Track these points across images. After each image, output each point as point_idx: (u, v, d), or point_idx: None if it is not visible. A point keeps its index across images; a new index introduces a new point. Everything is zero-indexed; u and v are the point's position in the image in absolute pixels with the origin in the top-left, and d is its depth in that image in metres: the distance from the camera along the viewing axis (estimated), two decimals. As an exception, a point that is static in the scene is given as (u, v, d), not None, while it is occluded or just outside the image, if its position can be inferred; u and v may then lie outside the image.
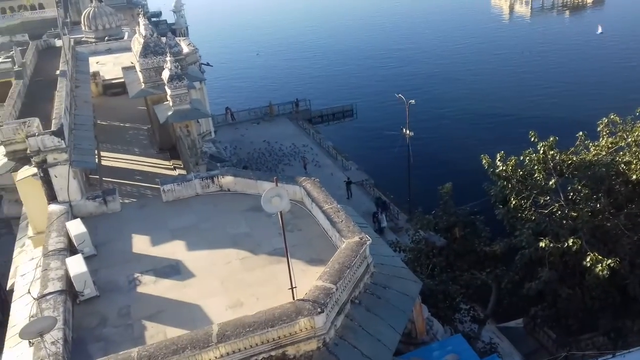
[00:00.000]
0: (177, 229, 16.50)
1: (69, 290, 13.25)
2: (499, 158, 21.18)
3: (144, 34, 24.36)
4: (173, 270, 14.61)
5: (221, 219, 16.86)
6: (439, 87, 67.79)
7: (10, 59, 29.12)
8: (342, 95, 65.99)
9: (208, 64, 42.40)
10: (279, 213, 11.96)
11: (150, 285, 14.08)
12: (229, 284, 13.85)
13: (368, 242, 13.60)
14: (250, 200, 17.55)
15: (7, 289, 21.76)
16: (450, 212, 23.04)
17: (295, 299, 11.94)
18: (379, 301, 13.25)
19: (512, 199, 20.80)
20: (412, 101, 37.63)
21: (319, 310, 11.37)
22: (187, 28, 63.18)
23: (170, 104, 22.73)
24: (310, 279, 12.93)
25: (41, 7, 69.16)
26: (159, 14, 77.38)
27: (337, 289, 12.06)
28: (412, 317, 14.65)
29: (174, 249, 15.51)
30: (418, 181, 39.63)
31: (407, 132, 37.84)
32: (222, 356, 10.89)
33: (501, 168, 21.00)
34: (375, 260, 14.32)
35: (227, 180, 18.20)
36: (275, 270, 14.10)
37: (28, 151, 16.30)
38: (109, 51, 37.82)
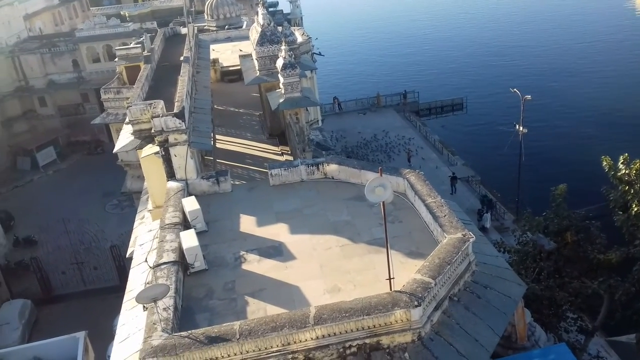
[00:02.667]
0: (282, 212, 17.08)
1: (181, 261, 14.21)
2: (621, 161, 19.67)
3: (261, 23, 25.26)
4: (276, 251, 15.18)
5: (324, 205, 17.21)
6: (557, 84, 63.89)
7: (140, 45, 31.45)
8: (452, 88, 64.27)
9: (320, 54, 43.10)
10: (381, 203, 12.00)
11: (254, 264, 14.74)
12: (328, 269, 14.15)
13: (471, 240, 13.27)
14: (353, 189, 17.75)
15: (127, 256, 23.83)
16: (562, 215, 21.78)
17: (393, 289, 11.96)
18: (478, 301, 12.91)
19: (634, 206, 19.24)
20: (528, 97, 35.84)
21: (415, 303, 11.31)
22: (301, 18, 64.50)
23: (282, 91, 23.42)
24: (408, 271, 12.88)
25: (169, -4, 73.70)
26: (275, 4, 79.59)
27: (435, 284, 11.91)
28: (513, 320, 14.11)
29: (278, 231, 16.08)
30: (528, 181, 37.82)
31: (521, 128, 36.14)
32: (317, 338, 11.18)
33: (624, 171, 19.50)
34: (478, 259, 13.94)
35: (332, 168, 18.50)
36: (374, 259, 14.19)
37: (152, 131, 17.58)
38: (228, 39, 39.62)
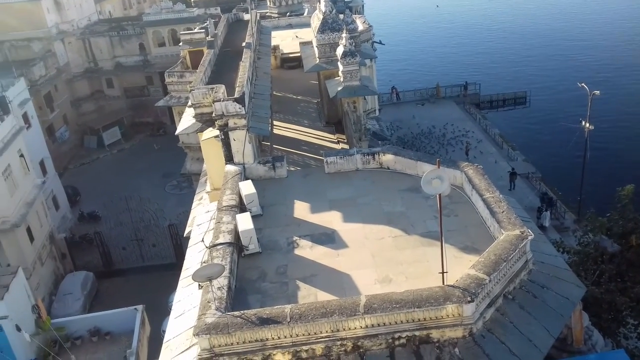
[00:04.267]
0: (336, 200, 17.14)
1: (236, 243, 14.53)
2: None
3: (323, 11, 25.26)
4: (328, 238, 15.27)
5: (378, 195, 17.15)
6: (627, 79, 60.71)
7: (204, 30, 32.12)
8: (515, 82, 62.31)
9: (380, 42, 42.73)
10: (437, 196, 11.85)
11: (307, 249, 14.89)
12: (380, 259, 14.12)
13: (530, 237, 12.91)
14: (408, 180, 17.59)
15: (184, 235, 24.58)
16: (628, 217, 20.84)
17: (445, 284, 11.82)
18: (534, 300, 12.57)
19: None
20: (597, 92, 34.30)
21: (468, 299, 11.14)
22: (363, 6, 64.01)
23: (341, 79, 23.40)
24: (462, 266, 12.68)
25: (233, -17, 74.64)
26: (337, -9, 79.27)
27: (490, 281, 11.69)
28: (569, 322, 13.67)
29: (331, 219, 16.17)
30: (592, 180, 36.30)
31: (587, 125, 34.67)
32: (367, 327, 11.22)
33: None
34: (536, 258, 13.56)
35: (388, 158, 18.38)
36: (427, 252, 14.05)
37: (213, 114, 17.98)
38: (289, 26, 39.83)
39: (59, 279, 33.47)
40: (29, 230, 31.11)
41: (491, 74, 67.68)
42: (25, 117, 37.54)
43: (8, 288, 17.45)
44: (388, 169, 18.38)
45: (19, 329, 17.38)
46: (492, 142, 46.19)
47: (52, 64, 51.44)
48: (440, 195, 11.86)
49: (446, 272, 12.04)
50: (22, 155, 32.66)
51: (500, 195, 14.84)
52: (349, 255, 14.41)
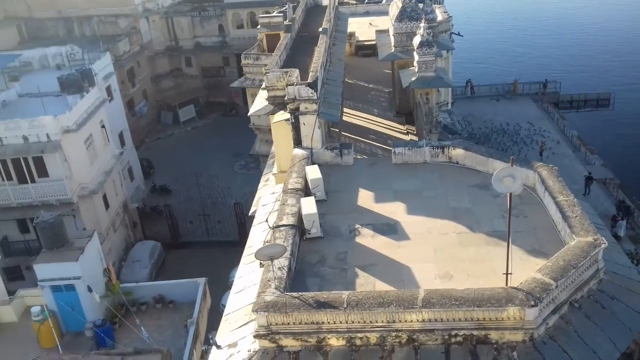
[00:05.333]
0: (401, 191, 17.00)
1: (299, 226, 14.73)
2: None
3: (402, -1, 24.92)
4: (390, 229, 15.19)
5: (445, 189, 16.86)
6: None
7: (282, 14, 32.44)
8: (599, 82, 59.08)
9: (459, 34, 41.56)
10: (508, 194, 11.50)
11: (368, 238, 14.89)
12: (442, 254, 13.91)
13: (603, 246, 12.32)
14: (477, 177, 17.18)
15: (249, 214, 25.14)
16: None
17: (509, 285, 11.50)
18: (602, 311, 12.01)
19: None
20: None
21: (532, 303, 10.80)
22: (443, -5, 62.47)
23: (416, 69, 23.05)
24: (527, 269, 12.30)
25: (313, -32, 74.78)
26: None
27: (556, 287, 11.27)
28: (638, 338, 12.98)
29: (395, 210, 16.06)
30: (677, 191, 34.06)
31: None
32: (423, 321, 11.12)
33: None
34: (607, 267, 12.93)
35: (458, 152, 18.00)
36: (491, 252, 13.71)
37: (285, 98, 18.20)
38: (366, 14, 39.57)
39: (129, 246, 35.18)
40: (105, 198, 32.81)
41: (573, 72, 64.51)
42: (108, 90, 39.42)
43: (83, 250, 18.51)
44: (457, 163, 18.01)
45: (90, 290, 18.43)
46: (569, 144, 44.17)
47: (136, 40, 53.62)
48: (511, 194, 11.51)
49: (510, 274, 11.71)
50: (103, 126, 34.38)
51: (575, 199, 14.23)
52: (411, 248, 14.29)
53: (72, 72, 33.38)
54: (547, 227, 14.33)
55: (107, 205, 33.03)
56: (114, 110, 39.18)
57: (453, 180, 17.33)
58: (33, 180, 29.61)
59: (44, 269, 18.35)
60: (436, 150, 18.31)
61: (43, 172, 29.67)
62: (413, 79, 23.19)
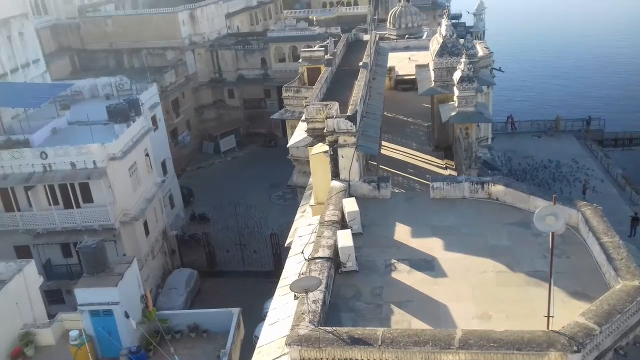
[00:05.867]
0: (439, 226, 16.76)
1: (335, 259, 14.66)
2: None
3: (443, 34, 25.01)
4: (427, 265, 14.95)
5: (484, 226, 16.54)
6: None
7: (323, 48, 33.05)
8: (647, 120, 57.54)
9: (500, 69, 41.43)
10: (550, 234, 11.20)
11: (404, 274, 14.67)
12: (480, 293, 13.57)
13: (650, 291, 11.79)
14: (518, 214, 16.82)
15: (285, 245, 25.21)
16: None
17: (550, 329, 11.10)
18: (650, 360, 11.44)
19: None
20: None
21: (575, 348, 10.37)
22: (484, 31, 62.63)
23: (456, 104, 22.97)
24: (569, 312, 11.85)
25: (355, 4, 76.56)
26: (459, 16, 78.28)
27: (600, 332, 10.80)
28: (690, 391, 12.26)
29: (432, 245, 15.82)
30: None
31: None
32: (460, 362, 10.81)
33: None
34: (655, 314, 12.34)
35: (498, 189, 17.70)
36: (532, 293, 13.29)
37: (324, 130, 18.37)
38: (407, 48, 39.84)
39: (166, 273, 35.66)
40: (145, 225, 33.51)
41: (618, 110, 63.05)
42: (153, 119, 40.68)
43: (122, 276, 18.85)
44: (497, 200, 17.69)
45: (127, 316, 18.67)
46: (614, 183, 42.89)
47: (182, 72, 55.46)
48: (553, 233, 11.20)
49: (552, 317, 11.31)
50: (147, 155, 35.37)
51: (620, 241, 13.74)
52: (448, 285, 14.00)
53: (120, 101, 34.66)
54: (591, 269, 13.85)
55: (147, 232, 33.70)
56: (158, 139, 40.33)
57: (492, 217, 17.01)
58: (78, 206, 30.57)
59: (83, 294, 18.74)
60: (475, 185, 18.05)
61: (88, 197, 30.62)
62: (453, 113, 23.09)
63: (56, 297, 30.60)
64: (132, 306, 19.25)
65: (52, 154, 29.88)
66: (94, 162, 29.92)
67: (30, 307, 20.99)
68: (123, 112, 33.40)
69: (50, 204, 30.56)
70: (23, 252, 30.25)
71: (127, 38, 56.66)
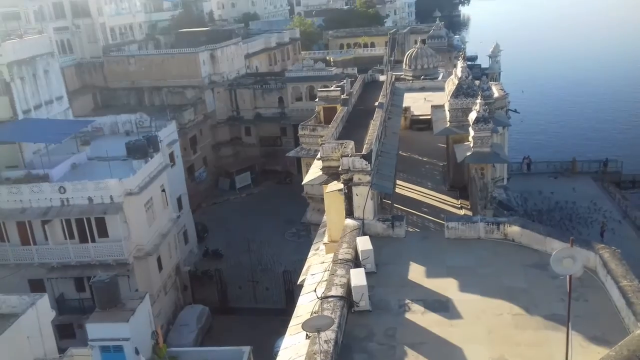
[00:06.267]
0: (454, 267, 16.57)
1: (348, 298, 14.51)
2: None
3: (459, 76, 25.31)
4: (442, 306, 14.72)
5: (500, 268, 16.32)
6: None
7: (339, 88, 33.57)
8: (666, 162, 56.95)
9: (515, 111, 41.63)
10: (567, 277, 11.01)
11: (418, 315, 14.45)
12: (496, 336, 13.29)
13: (672, 337, 11.44)
14: (534, 256, 16.59)
15: (297, 283, 25.01)
16: None
17: (568, 374, 10.80)
18: (674, 410, 11.00)
19: None
20: None
21: (594, 395, 10.05)
22: (499, 73, 63.17)
23: (471, 144, 23.04)
24: (588, 357, 11.58)
25: (372, 45, 78.05)
26: (474, 58, 79.30)
27: (621, 379, 10.46)
28: None
29: (447, 286, 15.61)
30: None
31: None
32: (475, 407, 10.50)
33: None
34: (679, 361, 11.94)
35: (513, 229, 17.53)
36: (550, 336, 12.98)
37: (339, 169, 18.49)
38: (422, 89, 40.30)
39: (178, 309, 35.44)
40: (159, 260, 33.55)
41: (636, 151, 62.58)
42: (171, 156, 41.22)
43: (134, 312, 18.78)
44: (513, 241, 17.50)
45: (137, 353, 18.51)
46: (632, 226, 42.15)
47: (200, 110, 56.45)
48: (570, 276, 11.01)
49: (570, 362, 11.02)
50: (163, 190, 35.70)
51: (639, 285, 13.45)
52: (463, 327, 13.74)
53: (139, 138, 35.26)
54: (610, 313, 13.52)
55: (160, 267, 33.70)
56: (174, 175, 40.75)
57: (508, 258, 16.79)
58: (93, 240, 30.76)
59: (95, 329, 18.67)
60: (491, 226, 17.91)
61: (103, 232, 30.83)
62: (468, 153, 23.13)
63: (67, 332, 30.47)
64: (142, 342, 19.10)
65: (70, 189, 30.29)
66: (111, 197, 30.25)
67: (42, 341, 20.88)
68: (141, 148, 33.92)
69: (66, 238, 30.81)
70: (37, 286, 30.34)
71: (149, 77, 58.06)
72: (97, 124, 41.23)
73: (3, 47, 35.76)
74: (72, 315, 30.68)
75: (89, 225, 30.60)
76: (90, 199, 30.30)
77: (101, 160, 34.51)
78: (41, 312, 20.82)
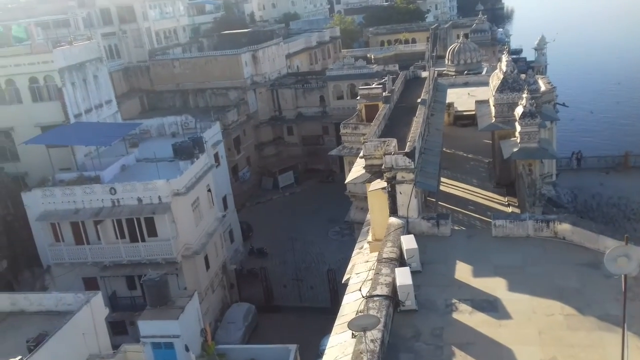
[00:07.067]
0: (501, 266, 16.25)
1: (393, 297, 14.43)
2: None
3: (504, 70, 24.76)
4: (490, 305, 14.46)
5: (550, 267, 15.90)
6: None
7: (381, 86, 33.35)
8: None
9: (564, 104, 40.38)
10: (622, 276, 10.63)
11: (466, 315, 14.24)
12: (547, 337, 12.96)
13: None
14: (586, 254, 16.09)
15: (342, 282, 25.02)
16: None
17: (625, 377, 10.44)
18: None
19: None
20: None
21: (653, 399, 9.68)
22: (546, 66, 61.42)
23: (518, 140, 22.49)
24: (647, 360, 11.13)
25: (413, 41, 77.22)
26: (519, 51, 77.41)
27: (682, 383, 10.05)
28: None
29: (495, 285, 15.33)
30: None
31: None
32: (526, 409, 10.28)
33: None
34: None
35: (564, 227, 17.04)
36: (604, 337, 12.58)
37: (382, 167, 18.40)
38: (466, 84, 39.60)
39: (225, 307, 36.04)
40: (206, 259, 34.19)
41: (695, 144, 59.71)
42: (216, 156, 41.93)
43: (184, 310, 19.27)
44: (563, 239, 17.02)
45: (187, 349, 18.99)
46: (693, 222, 40.28)
47: (243, 111, 57.18)
48: (626, 275, 10.63)
49: (626, 364, 10.64)
50: (209, 190, 36.35)
51: (702, 285, 12.85)
52: (513, 328, 13.46)
53: (185, 139, 36.03)
54: (669, 314, 12.97)
55: (207, 266, 34.33)
56: (219, 175, 41.44)
57: (559, 257, 16.34)
58: (143, 240, 31.61)
59: (146, 326, 19.25)
60: (540, 224, 17.46)
61: (153, 232, 31.65)
62: (515, 150, 22.59)
63: (120, 329, 31.49)
64: (192, 339, 19.56)
65: (120, 190, 31.23)
66: (159, 197, 31.02)
67: (96, 337, 21.68)
68: (187, 149, 34.64)
69: (117, 238, 31.79)
70: (91, 284, 31.46)
71: (193, 79, 59.23)
72: (144, 126, 42.34)
73: (54, 54, 37.15)
74: (124, 312, 31.66)
75: (138, 225, 31.46)
76: (139, 200, 31.15)
77: (149, 162, 35.44)
78: (95, 310, 21.60)
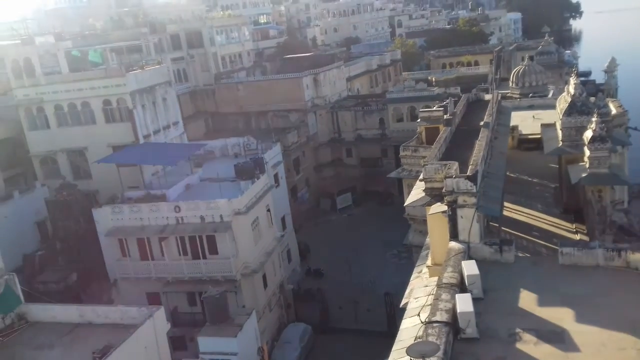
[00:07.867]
0: (569, 295, 15.55)
1: (453, 324, 14.07)
2: None
3: (572, 93, 24.01)
4: (557, 337, 13.83)
5: (621, 298, 15.07)
6: None
7: (442, 109, 33.04)
8: None
9: (636, 129, 38.54)
10: (703, 310, 9.96)
11: (530, 345, 13.68)
12: (619, 373, 12.27)
13: None
14: (662, 287, 15.17)
15: (400, 306, 24.64)
16: None
17: None
18: None
19: None
20: None
21: None
22: (617, 89, 58.99)
23: (587, 165, 21.65)
24: None
25: (476, 64, 76.24)
26: (588, 74, 74.85)
27: None
28: None
29: (562, 316, 14.67)
30: None
31: None
32: None
33: None
34: None
35: (637, 257, 16.16)
36: (682, 376, 11.76)
37: (443, 190, 18.11)
38: (531, 107, 38.62)
39: (281, 326, 36.22)
40: (264, 277, 34.59)
41: None
42: (276, 177, 42.65)
43: (242, 327, 19.55)
44: (637, 270, 16.12)
45: (244, 367, 19.19)
46: None
47: (303, 132, 58.04)
48: None
49: None
50: (268, 210, 36.95)
51: None
52: (581, 361, 12.82)
53: (247, 160, 36.92)
54: None
55: (265, 285, 34.71)
56: (279, 195, 42.06)
57: (632, 288, 15.47)
58: (204, 257, 32.42)
59: (205, 342, 19.66)
60: (611, 253, 16.63)
61: (214, 249, 32.41)
62: (584, 175, 21.74)
63: (180, 344, 32.15)
64: (249, 357, 19.79)
65: (184, 208, 32.25)
66: (221, 216, 31.79)
67: (158, 351, 22.27)
68: (249, 170, 35.46)
69: (180, 254, 32.73)
70: (153, 299, 32.44)
71: (256, 101, 60.78)
72: (208, 147, 43.70)
73: (127, 78, 39.16)
74: (184, 328, 32.33)
75: (200, 242, 32.31)
76: (202, 218, 32.03)
77: (212, 181, 36.47)
78: (158, 324, 22.22)
